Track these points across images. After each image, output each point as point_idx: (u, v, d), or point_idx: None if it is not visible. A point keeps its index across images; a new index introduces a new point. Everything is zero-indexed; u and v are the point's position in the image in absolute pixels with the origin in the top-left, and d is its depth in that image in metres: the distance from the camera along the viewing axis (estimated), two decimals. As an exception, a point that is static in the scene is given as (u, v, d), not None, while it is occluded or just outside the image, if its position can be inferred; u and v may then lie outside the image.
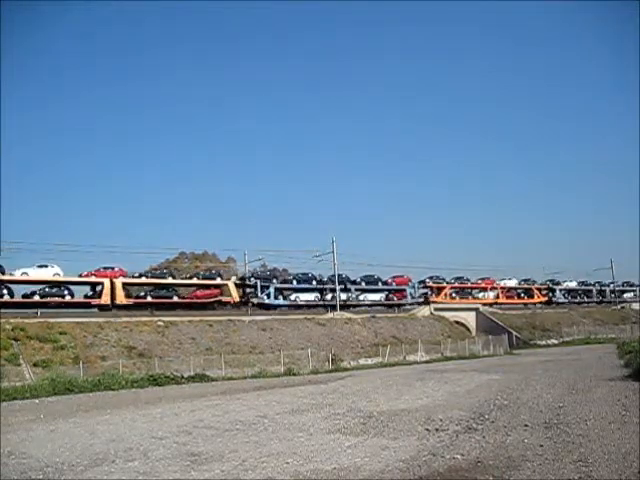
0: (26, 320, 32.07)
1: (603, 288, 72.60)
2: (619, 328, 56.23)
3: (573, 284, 71.00)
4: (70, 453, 9.56)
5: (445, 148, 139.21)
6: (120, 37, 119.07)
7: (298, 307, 47.88)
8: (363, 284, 53.29)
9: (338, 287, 49.68)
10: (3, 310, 32.89)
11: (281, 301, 47.52)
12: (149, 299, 41.45)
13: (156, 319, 37.01)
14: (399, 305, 54.24)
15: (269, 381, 25.19)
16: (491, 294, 61.22)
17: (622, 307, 69.75)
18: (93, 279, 40.34)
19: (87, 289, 40.83)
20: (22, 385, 23.38)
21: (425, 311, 53.60)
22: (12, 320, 31.30)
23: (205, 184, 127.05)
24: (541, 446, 8.31)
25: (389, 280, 55.51)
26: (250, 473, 7.68)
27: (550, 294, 66.94)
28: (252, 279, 47.19)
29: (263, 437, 10.40)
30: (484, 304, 58.51)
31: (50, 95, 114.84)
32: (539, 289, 66.70)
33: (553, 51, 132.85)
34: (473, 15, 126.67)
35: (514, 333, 51.44)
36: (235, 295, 44.72)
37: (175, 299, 43.00)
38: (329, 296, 49.86)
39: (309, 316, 44.34)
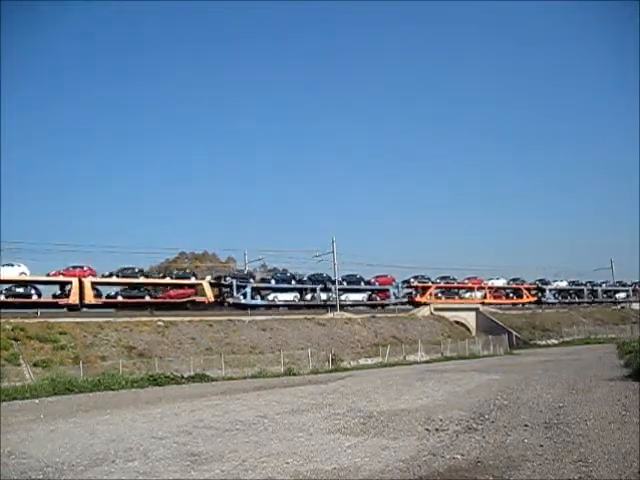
0: (26, 320, 32.05)
1: (595, 288, 71.68)
2: (619, 328, 56.20)
3: (564, 284, 69.95)
4: (70, 453, 9.56)
5: (445, 148, 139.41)
6: (120, 37, 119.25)
7: (276, 307, 46.89)
8: (345, 284, 51.89)
9: (337, 287, 49.53)
10: (3, 310, 32.85)
11: (258, 301, 46.25)
12: (120, 299, 40.57)
13: (156, 319, 37.00)
14: (382, 305, 53.19)
15: (269, 381, 25.19)
16: (478, 294, 59.93)
17: (622, 307, 69.58)
18: (61, 278, 39.27)
19: (56, 289, 39.63)
20: (22, 385, 23.38)
21: (425, 311, 53.51)
22: (12, 320, 31.29)
23: (205, 184, 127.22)
24: (541, 446, 8.31)
25: (372, 280, 54.25)
26: (250, 473, 7.68)
27: (539, 294, 65.93)
28: (228, 278, 46.15)
29: (263, 437, 10.40)
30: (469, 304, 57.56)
31: (50, 95, 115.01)
32: (528, 289, 65.57)
33: (553, 51, 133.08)
34: (473, 15, 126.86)
35: (514, 333, 51.42)
36: (210, 295, 43.59)
37: (147, 299, 41.68)
38: (309, 296, 48.99)
39: (309, 316, 44.30)
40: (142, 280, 42.90)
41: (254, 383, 24.06)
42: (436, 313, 53.61)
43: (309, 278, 50.86)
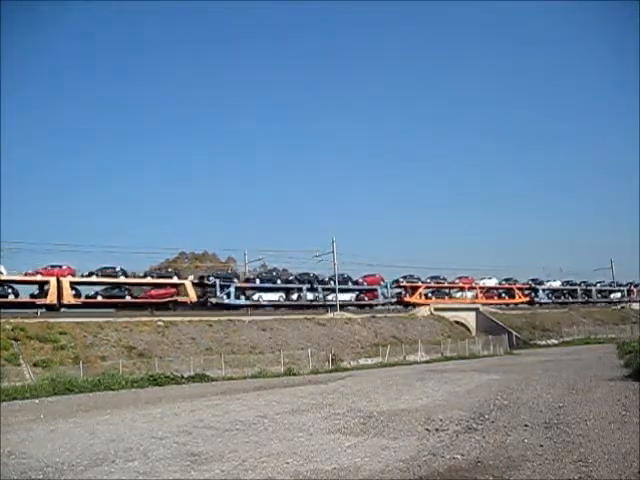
0: (26, 320, 32.07)
1: (589, 288, 70.97)
2: (619, 328, 56.17)
3: (557, 284, 69.13)
4: (70, 453, 9.57)
5: (445, 148, 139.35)
6: (120, 37, 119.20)
7: (261, 307, 46.15)
8: (332, 283, 51.02)
9: (337, 287, 49.45)
10: (3, 310, 32.83)
11: (242, 301, 45.41)
12: (99, 299, 39.90)
13: (156, 319, 37.00)
14: (370, 305, 52.41)
15: (269, 381, 25.19)
16: (469, 294, 59.19)
17: (622, 307, 69.49)
18: (39, 278, 38.45)
19: (35, 289, 38.80)
20: (22, 385, 23.39)
21: (425, 311, 53.50)
22: (12, 320, 31.31)
23: (205, 184, 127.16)
24: (541, 446, 8.31)
25: (360, 280, 53.56)
26: (250, 473, 7.68)
27: (533, 294, 65.14)
28: (211, 278, 45.40)
29: (263, 437, 10.40)
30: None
31: (50, 95, 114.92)
32: (521, 289, 64.81)
33: (553, 51, 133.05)
34: (473, 15, 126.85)
35: (514, 333, 51.42)
36: (192, 295, 42.89)
37: (128, 299, 41.01)
38: (295, 296, 48.27)
39: (309, 316, 44.31)
40: (122, 280, 41.84)
41: (254, 383, 24.07)
42: (436, 313, 53.59)
43: (296, 278, 50.17)
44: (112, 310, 38.82)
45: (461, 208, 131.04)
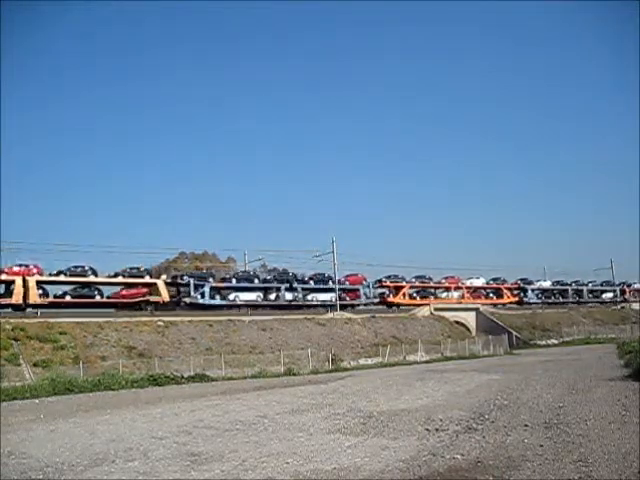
0: (26, 320, 32.08)
1: (580, 288, 70.22)
2: (619, 328, 56.18)
3: (547, 284, 68.49)
4: (70, 453, 9.57)
5: (445, 148, 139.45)
6: (120, 37, 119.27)
7: (237, 307, 44.79)
8: (312, 283, 50.24)
9: (337, 287, 49.37)
10: (3, 310, 32.78)
11: (217, 301, 44.21)
12: (68, 299, 38.69)
13: (156, 319, 37.00)
14: (352, 306, 50.99)
15: (269, 381, 25.19)
16: (455, 294, 58.34)
17: (622, 307, 69.42)
18: (4, 277, 37.18)
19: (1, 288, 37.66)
20: (22, 385, 23.37)
21: (425, 311, 53.50)
22: (12, 320, 31.32)
23: (205, 184, 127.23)
24: (541, 446, 8.31)
25: (342, 279, 52.14)
26: (250, 473, 7.68)
27: (522, 294, 64.38)
28: (185, 277, 44.44)
29: (263, 437, 10.40)
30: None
31: (50, 95, 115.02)
32: (509, 289, 63.99)
33: (553, 51, 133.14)
34: (473, 15, 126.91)
35: (514, 333, 51.44)
36: (164, 294, 41.74)
37: (97, 299, 39.98)
38: (273, 295, 47.23)
39: (309, 316, 44.30)
40: (92, 279, 40.59)
41: (254, 383, 24.07)
42: (436, 313, 53.60)
43: (274, 277, 49.45)
44: (81, 310, 37.46)
45: (461, 208, 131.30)
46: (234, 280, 47.14)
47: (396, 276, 56.51)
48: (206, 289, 43.61)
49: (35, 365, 27.50)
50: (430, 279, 59.28)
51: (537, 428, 9.82)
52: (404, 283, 56.49)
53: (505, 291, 63.28)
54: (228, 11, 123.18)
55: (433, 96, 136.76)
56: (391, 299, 54.38)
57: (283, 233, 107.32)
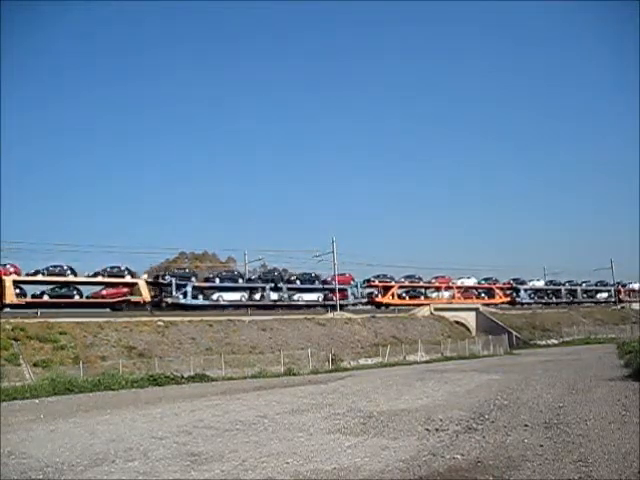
0: (26, 320, 32.05)
1: (574, 288, 69.58)
2: (619, 328, 56.18)
3: (540, 284, 67.83)
4: (70, 453, 9.57)
5: (445, 148, 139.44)
6: (120, 37, 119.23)
7: (221, 307, 43.77)
8: (298, 283, 49.26)
9: (337, 287, 49.38)
10: (61, 310, 32.59)
11: (200, 301, 43.31)
12: (46, 298, 37.74)
13: (156, 319, 37.00)
14: (340, 306, 48.97)
15: (269, 381, 25.20)
16: (446, 294, 57.58)
17: (622, 307, 69.39)
18: None
19: None
20: (22, 385, 23.36)
21: (425, 311, 53.50)
22: (12, 320, 31.28)
23: (205, 184, 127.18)
24: (541, 446, 8.31)
25: (328, 279, 51.28)
26: (250, 473, 7.69)
27: (514, 294, 63.62)
28: (167, 277, 43.21)
29: (263, 437, 10.41)
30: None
31: (50, 95, 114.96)
32: (501, 288, 63.12)
33: (553, 51, 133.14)
34: (473, 15, 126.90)
35: (514, 333, 51.43)
36: (146, 294, 40.86)
37: (77, 299, 39.01)
38: (258, 295, 46.27)
39: (309, 316, 44.28)
40: (71, 278, 39.53)
41: (254, 383, 24.07)
42: (436, 313, 53.61)
43: (259, 277, 48.93)
44: (60, 310, 36.33)
45: (461, 208, 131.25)
46: (217, 280, 46.08)
47: (385, 276, 55.55)
48: (188, 289, 42.65)
49: (35, 365, 27.49)
50: (420, 279, 58.27)
51: (537, 428, 9.82)
52: (393, 283, 55.58)
53: (497, 291, 62.51)
54: (228, 11, 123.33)
55: (433, 96, 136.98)
56: (379, 299, 53.55)
57: (283, 233, 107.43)
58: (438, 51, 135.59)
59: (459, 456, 7.99)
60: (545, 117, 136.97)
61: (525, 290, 65.51)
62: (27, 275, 38.76)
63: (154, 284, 43.34)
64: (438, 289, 58.55)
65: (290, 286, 48.67)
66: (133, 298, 40.63)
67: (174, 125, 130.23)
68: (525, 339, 51.84)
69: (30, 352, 28.66)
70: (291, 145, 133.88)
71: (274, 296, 46.68)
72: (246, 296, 45.85)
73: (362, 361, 37.88)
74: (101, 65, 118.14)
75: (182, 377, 26.24)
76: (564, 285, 69.56)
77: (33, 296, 37.95)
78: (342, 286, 51.27)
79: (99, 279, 40.79)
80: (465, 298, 59.16)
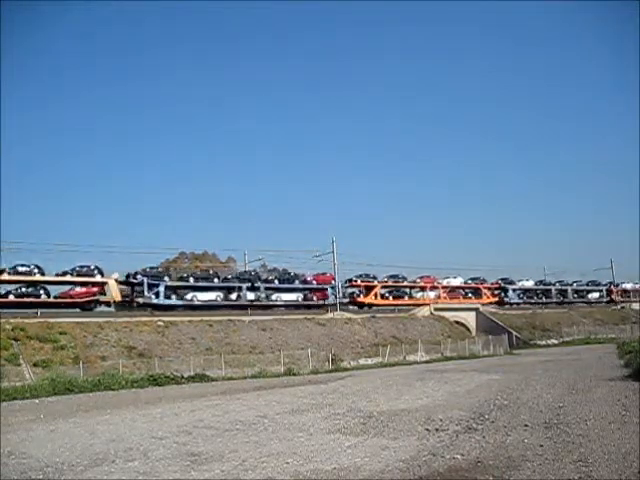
0: (26, 320, 32.06)
1: (564, 288, 68.61)
2: (619, 328, 56.16)
3: (530, 283, 66.76)
4: (70, 453, 9.57)
5: (445, 148, 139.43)
6: (120, 37, 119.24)
7: (195, 308, 42.45)
8: (276, 282, 48.20)
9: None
10: (3, 310, 32.69)
11: (174, 301, 42.12)
12: (11, 298, 36.39)
13: (156, 319, 37.00)
14: (319, 306, 48.52)
15: (269, 381, 25.20)
16: (431, 294, 56.47)
17: (622, 307, 69.34)
18: None
19: None
20: (22, 385, 23.38)
21: (425, 311, 53.50)
22: (12, 320, 31.30)
23: (205, 184, 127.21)
24: (541, 446, 8.31)
25: (309, 278, 50.51)
26: (250, 473, 7.68)
27: (502, 294, 62.53)
28: (138, 276, 41.80)
29: (263, 437, 10.40)
30: (420, 304, 54.60)
31: (50, 95, 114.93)
32: (489, 288, 61.95)
33: (553, 51, 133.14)
34: (473, 15, 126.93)
35: (514, 333, 51.46)
36: (116, 294, 39.94)
37: (43, 298, 37.53)
38: (234, 295, 45.10)
39: (309, 316, 44.29)
40: (38, 278, 38.14)
41: (254, 383, 24.08)
42: (436, 313, 53.62)
43: (236, 277, 47.98)
44: (26, 311, 34.73)
45: (461, 208, 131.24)
46: (192, 279, 44.91)
47: (367, 275, 54.32)
48: (161, 288, 41.48)
49: (35, 365, 27.50)
50: (404, 278, 57.18)
51: (537, 428, 9.81)
52: (376, 282, 54.34)
53: (484, 291, 61.36)
54: (228, 11, 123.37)
55: (433, 96, 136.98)
56: (361, 299, 52.33)
57: (283, 233, 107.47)
58: (438, 51, 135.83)
59: (459, 456, 7.99)
60: (545, 117, 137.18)
61: (514, 290, 64.36)
62: None
63: (125, 283, 42.31)
64: (423, 289, 57.47)
65: (268, 285, 47.46)
66: (103, 298, 39.56)
67: (174, 125, 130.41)
68: (525, 339, 51.85)
69: (30, 352, 28.68)
70: (291, 145, 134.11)
71: (251, 296, 45.39)
72: (222, 296, 44.64)
73: (362, 361, 37.89)
74: (101, 65, 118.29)
75: (182, 377, 26.25)
76: (554, 285, 68.74)
77: None
78: (322, 285, 50.20)
79: (67, 278, 39.50)
80: (451, 298, 58.10)
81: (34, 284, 37.90)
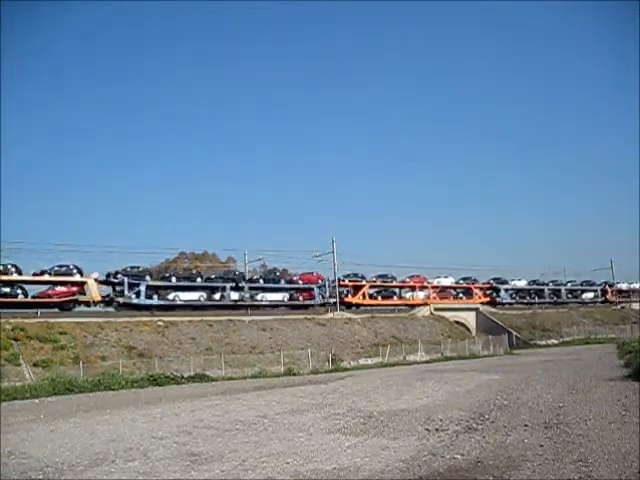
0: (26, 320, 32.06)
1: (558, 288, 67.87)
2: (619, 328, 56.15)
3: (522, 283, 65.78)
4: (70, 453, 9.57)
5: (445, 148, 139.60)
6: (120, 37, 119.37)
7: (177, 308, 41.73)
8: (261, 282, 47.53)
9: (338, 287, 49.26)
10: (3, 310, 32.69)
11: (155, 301, 41.10)
12: None
13: (156, 319, 37.00)
14: (305, 307, 47.55)
15: (269, 381, 25.20)
16: (421, 294, 55.55)
17: (622, 307, 69.29)
18: None
19: None
20: (22, 385, 23.38)
21: (425, 311, 53.49)
22: (12, 320, 31.30)
23: (205, 184, 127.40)
24: (541, 446, 8.31)
25: (295, 278, 50.11)
26: (250, 473, 7.68)
27: (494, 294, 61.27)
28: (119, 276, 41.10)
29: (263, 437, 10.40)
30: (411, 305, 54.22)
31: (50, 95, 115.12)
32: (481, 288, 60.80)
33: (553, 51, 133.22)
34: (473, 15, 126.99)
35: (514, 333, 51.46)
36: (95, 294, 39.10)
37: (21, 298, 36.67)
38: (217, 295, 44.34)
39: (309, 316, 44.28)
40: (15, 277, 37.19)
41: (254, 383, 24.07)
42: (436, 313, 53.61)
43: (219, 276, 47.27)
44: (2, 311, 33.38)
45: (461, 208, 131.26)
46: (174, 279, 44.34)
47: (355, 275, 53.40)
48: (142, 288, 40.70)
49: (35, 365, 27.50)
50: (394, 278, 56.02)
51: (537, 428, 9.81)
52: (364, 282, 53.34)
53: (476, 291, 60.06)
54: (228, 11, 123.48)
55: (433, 96, 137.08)
56: (349, 299, 51.06)
57: (283, 233, 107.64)
58: (438, 51, 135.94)
59: (459, 456, 7.99)
60: (545, 117, 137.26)
61: (506, 290, 63.38)
62: None
63: (106, 283, 41.59)
64: (412, 289, 56.64)
65: (252, 285, 46.68)
66: (82, 298, 38.76)
67: (174, 125, 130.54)
68: (525, 339, 51.85)
69: (30, 352, 28.68)
70: (291, 145, 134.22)
71: (235, 296, 44.49)
72: (205, 296, 43.91)
73: (362, 361, 37.89)
74: (101, 65, 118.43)
75: (182, 377, 26.24)
76: (547, 285, 68.05)
77: None
78: (308, 285, 49.52)
79: (45, 277, 38.67)
80: (441, 298, 57.40)
81: (11, 284, 36.92)
